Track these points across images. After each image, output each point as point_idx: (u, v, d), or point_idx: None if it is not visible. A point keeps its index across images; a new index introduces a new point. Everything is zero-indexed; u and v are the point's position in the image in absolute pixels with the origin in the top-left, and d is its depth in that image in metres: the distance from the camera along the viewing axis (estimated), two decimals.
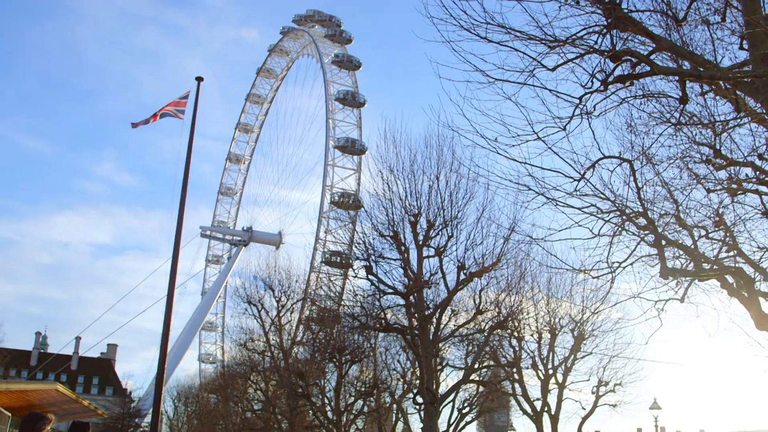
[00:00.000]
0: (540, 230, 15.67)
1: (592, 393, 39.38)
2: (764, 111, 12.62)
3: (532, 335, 39.05)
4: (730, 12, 12.86)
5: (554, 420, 38.40)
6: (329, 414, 45.86)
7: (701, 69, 12.93)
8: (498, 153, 14.24)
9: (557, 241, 14.90)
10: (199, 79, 27.75)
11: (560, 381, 38.64)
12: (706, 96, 13.71)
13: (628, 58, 13.29)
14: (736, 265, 13.59)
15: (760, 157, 13.30)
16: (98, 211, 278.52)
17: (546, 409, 38.42)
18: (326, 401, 47.89)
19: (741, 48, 12.92)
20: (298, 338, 55.50)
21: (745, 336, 13.74)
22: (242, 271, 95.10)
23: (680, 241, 14.15)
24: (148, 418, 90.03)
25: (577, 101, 13.50)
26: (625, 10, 13.11)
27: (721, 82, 13.00)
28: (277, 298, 51.23)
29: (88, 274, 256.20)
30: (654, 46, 13.24)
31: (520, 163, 14.24)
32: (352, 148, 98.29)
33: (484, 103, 13.86)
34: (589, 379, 39.57)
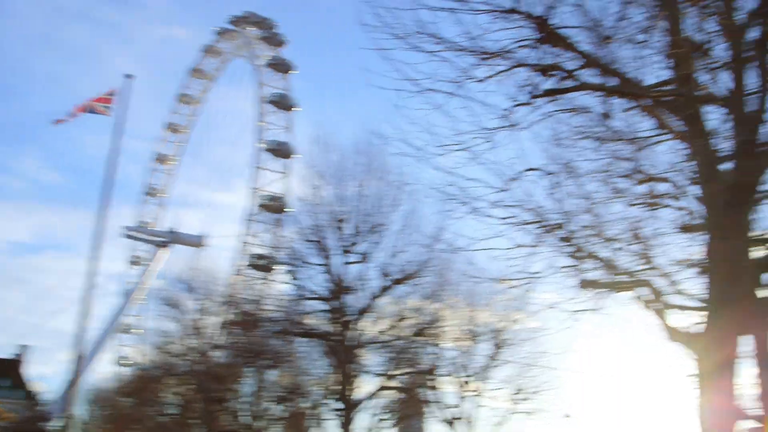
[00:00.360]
0: (463, 239, 15.93)
1: (509, 401, 39.82)
2: (685, 128, 12.98)
3: (451, 343, 39.29)
4: (655, 32, 13.16)
5: (470, 427, 38.70)
6: (246, 419, 45.31)
7: (625, 86, 13.25)
8: (425, 162, 14.37)
9: (480, 251, 15.08)
10: (129, 77, 27.34)
11: (477, 388, 38.98)
12: (630, 112, 13.99)
13: (556, 72, 13.53)
14: (651, 277, 13.91)
15: (678, 172, 13.64)
16: (18, 209, 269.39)
17: (462, 416, 38.70)
18: (244, 406, 47.31)
19: (665, 67, 13.25)
20: (218, 342, 54.68)
21: (659, 347, 13.99)
22: (164, 273, 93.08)
23: (598, 254, 14.39)
24: (59, 422, 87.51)
25: (505, 113, 13.68)
26: (555, 26, 13.32)
27: (644, 99, 13.32)
28: (197, 301, 50.42)
29: (5, 273, 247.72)
30: (582, 62, 13.49)
31: (446, 172, 14.39)
32: (282, 151, 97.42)
33: (414, 111, 13.99)
34: (506, 388, 40.02)
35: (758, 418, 12.30)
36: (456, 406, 38.92)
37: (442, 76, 13.52)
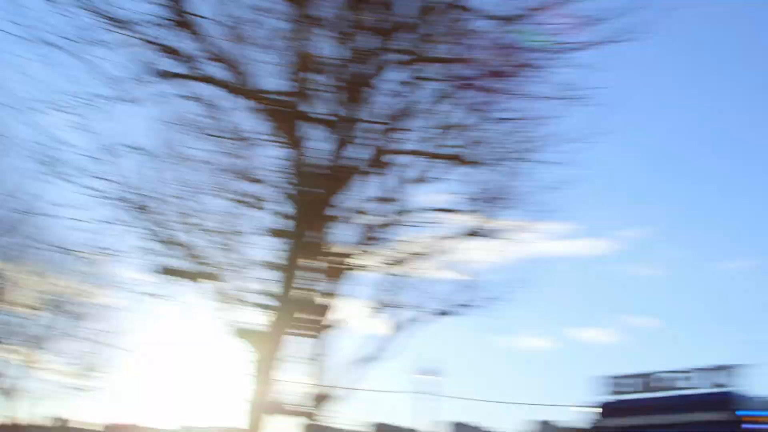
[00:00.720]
0: (47, 204, 15.37)
1: (67, 375, 38.48)
2: (288, 137, 13.76)
3: (16, 308, 36.90)
4: (283, 42, 13.77)
5: (27, 401, 36.89)
6: None
7: (244, 86, 13.70)
8: (22, 116, 13.63)
9: (63, 219, 14.57)
10: None
11: (36, 359, 37.12)
12: (244, 112, 14.35)
13: (181, 57, 13.56)
14: (227, 273, 14.44)
15: (277, 178, 14.27)
16: None
17: (13, 387, 36.61)
18: None
19: (283, 77, 13.88)
20: None
21: (227, 340, 14.44)
22: None
23: (183, 242, 14.55)
24: None
25: (120, 85, 13.36)
26: (188, 12, 13.36)
27: (259, 103, 13.86)
28: None
29: None
30: (209, 53, 13.66)
31: (41, 132, 13.65)
32: None
33: (29, 62, 13.04)
34: (67, 361, 38.58)
35: (304, 414, 13.52)
36: (8, 376, 36.74)
37: (64, 31, 12.80)
